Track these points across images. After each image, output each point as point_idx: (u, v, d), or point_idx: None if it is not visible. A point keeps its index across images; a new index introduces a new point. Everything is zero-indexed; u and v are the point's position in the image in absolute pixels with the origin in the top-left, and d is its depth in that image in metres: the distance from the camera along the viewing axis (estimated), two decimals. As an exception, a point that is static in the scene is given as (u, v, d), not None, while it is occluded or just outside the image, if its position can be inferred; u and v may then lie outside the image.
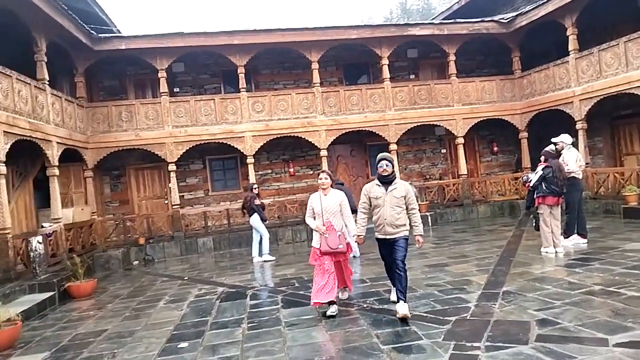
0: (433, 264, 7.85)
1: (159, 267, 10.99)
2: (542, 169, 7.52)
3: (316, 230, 5.51)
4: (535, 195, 7.66)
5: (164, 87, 12.64)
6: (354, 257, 8.84)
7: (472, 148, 16.04)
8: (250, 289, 7.41)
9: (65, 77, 12.79)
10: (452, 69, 14.17)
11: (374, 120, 13.75)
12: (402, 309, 4.89)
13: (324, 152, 13.35)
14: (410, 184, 13.56)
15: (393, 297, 5.06)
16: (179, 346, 4.95)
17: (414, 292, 6.01)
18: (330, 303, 5.34)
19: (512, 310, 4.92)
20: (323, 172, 5.66)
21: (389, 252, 5.13)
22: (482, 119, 14.41)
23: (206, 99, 13.12)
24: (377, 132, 13.76)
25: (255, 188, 10.53)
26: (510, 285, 5.92)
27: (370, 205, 5.19)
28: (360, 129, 13.75)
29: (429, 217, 13.20)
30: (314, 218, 5.58)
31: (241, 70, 12.89)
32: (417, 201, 12.85)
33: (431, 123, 14.23)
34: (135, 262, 11.75)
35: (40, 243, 8.53)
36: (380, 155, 5.21)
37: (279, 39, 12.75)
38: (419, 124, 14.02)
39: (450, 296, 5.73)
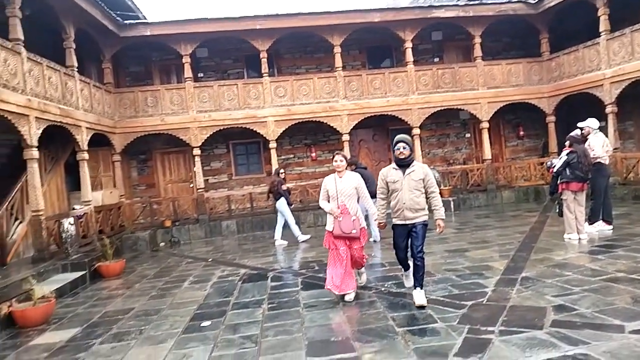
0: (453, 249, 7.85)
1: (184, 248, 11.30)
2: (567, 154, 7.38)
3: (330, 214, 5.41)
4: (559, 181, 7.54)
5: (188, 72, 12.82)
6: (374, 241, 8.91)
7: (497, 132, 15.78)
8: (271, 271, 7.58)
9: (93, 63, 13.11)
10: (478, 51, 13.89)
11: (396, 104, 13.65)
12: (419, 298, 4.88)
13: (345, 137, 13.37)
14: (433, 168, 13.66)
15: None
16: (201, 324, 5.15)
17: (432, 277, 6.06)
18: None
19: (529, 296, 4.92)
20: (338, 154, 5.52)
21: (406, 239, 5.00)
22: (508, 102, 14.13)
23: (229, 84, 13.26)
24: (399, 117, 13.67)
25: (281, 173, 10.69)
26: (530, 271, 5.90)
27: (388, 190, 5.04)
28: (383, 113, 13.67)
29: (452, 203, 13.11)
30: (328, 201, 5.46)
31: (263, 55, 12.96)
32: (440, 186, 13.19)
33: (455, 107, 14.03)
34: (162, 244, 12.10)
35: (71, 224, 8.89)
36: (397, 138, 5.01)
37: (301, 23, 12.72)
38: (442, 108, 13.85)
39: (468, 281, 5.75)
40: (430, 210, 4.99)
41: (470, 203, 13.69)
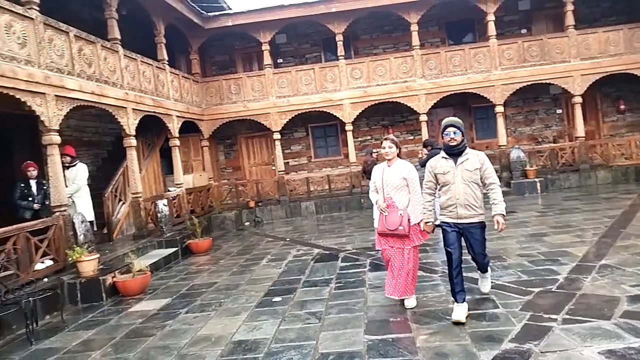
0: (531, 233, 7.55)
1: (266, 228, 11.97)
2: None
3: (377, 207, 4.76)
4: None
5: (267, 59, 13.32)
6: None
7: (593, 107, 14.53)
8: (342, 251, 7.85)
9: (182, 55, 14.11)
10: (570, 19, 12.81)
11: (477, 82, 13.10)
12: (484, 287, 4.67)
13: (423, 117, 13.15)
14: (517, 147, 13.01)
15: (456, 316, 4.14)
16: (273, 300, 5.57)
17: (502, 262, 5.93)
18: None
19: (604, 285, 4.68)
20: (386, 139, 4.76)
21: (460, 241, 4.31)
22: (605, 74, 12.91)
23: (306, 68, 13.57)
24: (481, 94, 13.12)
25: (374, 153, 11.05)
26: (611, 259, 5.56)
27: (437, 184, 4.39)
28: (463, 91, 13.20)
29: (538, 184, 12.42)
30: (377, 192, 4.79)
31: (339, 38, 13.06)
32: (525, 166, 12.55)
33: (543, 82, 13.13)
34: (247, 223, 12.90)
35: (165, 205, 9.82)
36: (445, 121, 4.34)
37: (376, 3, 12.59)
38: (528, 83, 13.03)
39: (539, 267, 5.56)
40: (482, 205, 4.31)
41: (559, 184, 12.86)
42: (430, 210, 4.43)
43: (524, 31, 14.51)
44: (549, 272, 5.32)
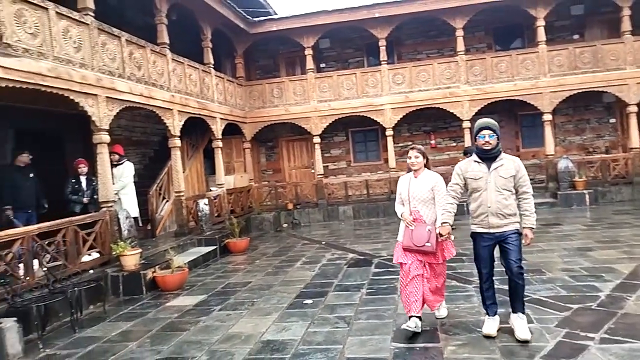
0: (576, 247, 7.25)
1: (303, 230, 12.07)
2: None
3: (403, 221, 4.39)
4: None
5: (310, 64, 13.47)
6: None
7: (650, 117, 13.74)
8: (377, 257, 7.81)
9: (227, 59, 14.49)
10: (626, 25, 12.20)
11: (525, 89, 12.71)
12: (521, 329, 3.90)
13: (466, 124, 12.87)
14: (566, 157, 12.49)
15: (487, 330, 3.96)
16: (304, 302, 5.63)
17: (541, 276, 5.74)
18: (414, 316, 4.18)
19: (650, 305, 4.44)
20: (413, 148, 4.40)
21: (492, 252, 4.05)
22: (664, 82, 12.22)
23: (348, 73, 13.62)
24: (528, 101, 12.72)
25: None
26: (660, 278, 5.26)
27: (465, 189, 4.12)
28: (509, 98, 12.84)
29: (587, 196, 11.88)
30: (403, 204, 4.45)
31: (382, 43, 13.02)
32: (574, 177, 12.04)
33: (595, 89, 12.57)
34: (285, 225, 13.06)
35: (206, 205, 10.11)
36: (479, 123, 4.01)
37: (420, 8, 12.47)
38: (579, 91, 12.51)
39: (581, 283, 5.34)
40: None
41: (610, 197, 12.26)
42: (450, 212, 4.09)
43: (576, 37, 13.95)
44: (591, 289, 5.10)
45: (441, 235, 4.11)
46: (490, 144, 3.93)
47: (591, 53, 12.50)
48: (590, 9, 13.61)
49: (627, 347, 3.58)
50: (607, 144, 14.12)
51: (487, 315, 4.15)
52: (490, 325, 4.05)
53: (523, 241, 3.93)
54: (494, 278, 4.15)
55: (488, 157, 3.98)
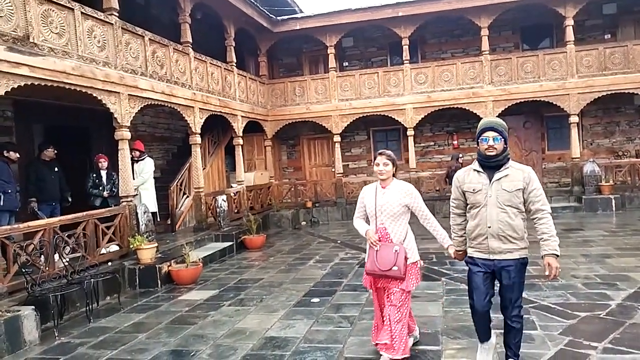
0: (594, 253, 7.08)
1: (321, 228, 12.14)
2: None
3: (367, 240, 3.74)
4: None
5: (332, 62, 13.49)
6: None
7: (685, 120, 13.22)
8: (390, 258, 7.80)
9: (251, 57, 14.68)
10: (660, 24, 11.78)
11: (551, 90, 12.40)
12: (482, 357, 3.46)
13: (489, 125, 12.65)
14: (592, 161, 12.16)
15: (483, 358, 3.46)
16: (311, 300, 5.70)
17: (553, 282, 5.62)
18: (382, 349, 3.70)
19: (661, 316, 4.32)
20: (381, 154, 3.70)
21: (491, 283, 3.30)
22: (700, 84, 11.73)
23: (370, 72, 13.58)
24: (555, 103, 12.41)
25: (460, 158, 11.26)
26: (677, 288, 5.10)
27: (466, 204, 3.39)
28: (534, 99, 12.57)
29: (613, 201, 11.53)
30: (367, 220, 3.84)
31: (405, 42, 12.93)
32: (600, 181, 11.70)
33: (626, 92, 12.16)
34: (303, 223, 13.15)
35: (224, 201, 10.29)
36: (483, 122, 3.28)
37: (445, 7, 12.31)
38: (609, 92, 12.13)
39: (593, 291, 5.23)
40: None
41: (638, 202, 11.85)
42: (462, 236, 3.45)
43: (607, 36, 13.52)
44: (602, 297, 4.99)
45: (456, 259, 3.58)
46: (495, 149, 3.15)
47: (622, 54, 12.10)
48: (623, 7, 13.15)
49: (630, 357, 3.50)
50: (637, 147, 13.64)
51: (479, 343, 3.55)
52: (484, 355, 3.53)
53: (546, 273, 3.11)
54: (490, 314, 3.41)
55: (490, 165, 3.21)
